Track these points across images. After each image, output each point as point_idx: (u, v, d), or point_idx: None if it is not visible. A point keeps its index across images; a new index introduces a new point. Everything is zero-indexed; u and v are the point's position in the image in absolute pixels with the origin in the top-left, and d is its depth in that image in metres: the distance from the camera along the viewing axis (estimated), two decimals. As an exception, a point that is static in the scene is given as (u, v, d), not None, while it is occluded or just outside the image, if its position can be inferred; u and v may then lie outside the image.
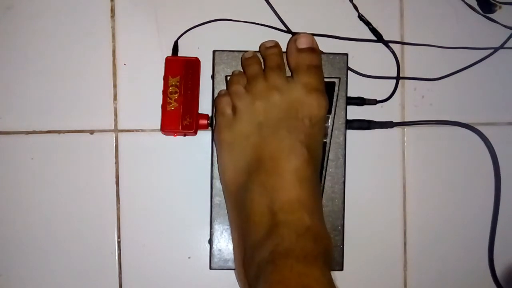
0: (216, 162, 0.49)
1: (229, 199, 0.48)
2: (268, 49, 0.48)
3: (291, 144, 0.45)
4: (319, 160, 0.48)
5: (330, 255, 0.44)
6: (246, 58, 0.48)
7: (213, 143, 0.49)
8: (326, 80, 0.49)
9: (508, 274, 0.55)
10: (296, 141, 0.45)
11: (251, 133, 0.46)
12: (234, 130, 0.46)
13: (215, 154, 0.50)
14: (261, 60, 0.49)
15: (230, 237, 0.49)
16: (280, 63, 0.48)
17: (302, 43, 0.47)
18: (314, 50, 0.48)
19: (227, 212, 0.49)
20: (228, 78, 0.50)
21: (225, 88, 0.50)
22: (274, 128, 0.45)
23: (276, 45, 0.49)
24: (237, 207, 0.46)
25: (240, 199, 0.46)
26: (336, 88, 0.50)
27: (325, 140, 0.50)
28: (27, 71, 0.52)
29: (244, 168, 0.46)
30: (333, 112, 0.50)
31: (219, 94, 0.49)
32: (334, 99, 0.50)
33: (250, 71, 0.48)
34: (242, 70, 0.49)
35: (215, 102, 0.49)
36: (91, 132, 0.52)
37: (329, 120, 0.50)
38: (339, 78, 0.50)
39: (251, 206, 0.44)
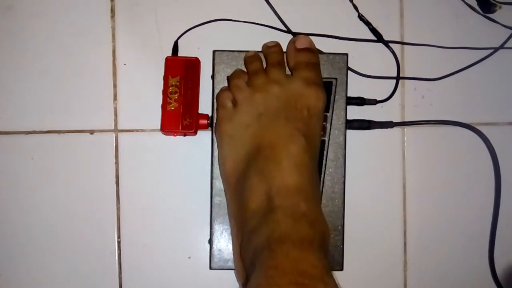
0: (216, 162, 0.49)
1: (229, 191, 0.48)
2: (269, 48, 0.49)
3: (289, 131, 0.45)
4: (317, 149, 0.48)
5: (327, 240, 0.44)
6: (249, 57, 0.49)
7: (213, 143, 0.50)
8: (323, 80, 0.49)
9: (508, 274, 0.55)
10: (294, 129, 0.46)
11: (250, 123, 0.47)
12: (234, 122, 0.47)
13: (215, 154, 0.50)
14: (263, 60, 0.50)
15: (230, 237, 0.49)
16: (281, 60, 0.49)
17: (301, 44, 0.49)
18: (312, 50, 0.49)
19: (227, 205, 0.49)
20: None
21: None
22: (273, 117, 0.46)
23: (277, 45, 0.50)
24: (236, 197, 0.47)
25: (239, 188, 0.46)
26: (333, 88, 0.50)
27: (323, 138, 0.50)
28: (27, 71, 0.52)
29: (244, 158, 0.46)
30: (331, 111, 0.50)
31: (220, 90, 0.50)
32: (332, 99, 0.50)
33: (252, 67, 0.49)
34: (243, 69, 0.50)
35: (216, 97, 0.49)
36: (91, 132, 0.52)
37: (328, 119, 0.50)
38: (336, 79, 0.50)
39: (249, 192, 0.45)
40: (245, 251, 0.44)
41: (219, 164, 0.49)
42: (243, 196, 0.45)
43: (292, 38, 0.50)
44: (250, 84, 0.48)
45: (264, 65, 0.49)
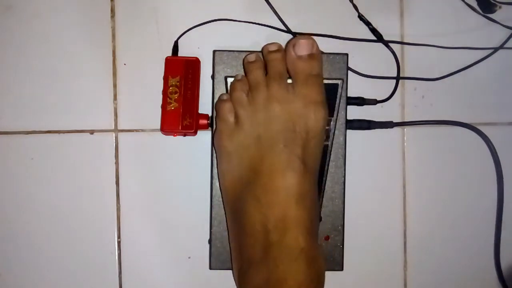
0: (216, 162, 0.49)
1: (227, 204, 0.48)
2: (270, 53, 0.47)
3: (288, 158, 0.44)
4: (316, 172, 0.47)
5: (322, 278, 0.45)
6: (249, 62, 0.47)
7: (213, 145, 0.49)
8: (328, 82, 0.48)
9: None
10: (293, 155, 0.44)
11: (250, 145, 0.46)
12: (234, 140, 0.46)
13: (215, 154, 0.49)
14: (264, 62, 0.48)
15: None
16: (282, 70, 0.46)
17: (301, 50, 0.46)
18: (313, 56, 0.46)
19: (225, 216, 0.49)
20: (230, 81, 0.49)
21: (225, 89, 0.50)
22: (272, 141, 0.45)
23: (279, 49, 0.47)
24: (234, 215, 0.47)
25: (237, 208, 0.46)
26: (339, 90, 0.50)
27: (326, 143, 0.50)
28: (27, 71, 0.52)
29: (241, 179, 0.46)
30: (335, 115, 0.50)
31: (221, 99, 0.48)
32: (337, 102, 0.50)
33: (252, 77, 0.47)
34: (243, 74, 0.49)
35: (216, 107, 0.48)
36: (91, 132, 0.52)
37: (331, 123, 0.50)
38: (342, 80, 0.50)
39: (246, 219, 0.45)
40: (243, 281, 0.45)
41: (218, 175, 0.49)
42: (241, 219, 0.45)
43: (291, 40, 0.47)
44: (251, 99, 0.46)
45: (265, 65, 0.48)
